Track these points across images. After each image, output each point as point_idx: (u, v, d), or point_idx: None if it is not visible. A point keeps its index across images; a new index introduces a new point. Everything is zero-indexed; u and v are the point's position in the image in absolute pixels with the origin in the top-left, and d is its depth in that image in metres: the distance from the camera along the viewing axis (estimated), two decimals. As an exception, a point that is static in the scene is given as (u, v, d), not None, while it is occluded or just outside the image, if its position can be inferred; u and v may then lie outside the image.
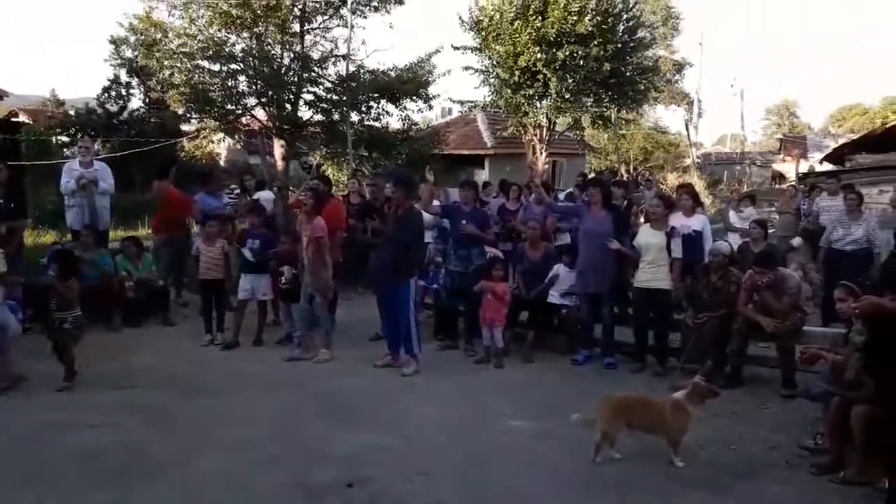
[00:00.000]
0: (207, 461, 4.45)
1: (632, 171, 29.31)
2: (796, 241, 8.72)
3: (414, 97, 16.17)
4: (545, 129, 18.76)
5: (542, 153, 18.87)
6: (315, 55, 15.73)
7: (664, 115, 49.29)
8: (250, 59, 14.97)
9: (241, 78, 15.28)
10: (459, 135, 22.43)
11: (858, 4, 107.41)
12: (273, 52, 15.41)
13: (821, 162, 21.86)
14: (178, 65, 14.82)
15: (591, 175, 18.91)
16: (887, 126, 18.24)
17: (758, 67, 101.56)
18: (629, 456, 4.58)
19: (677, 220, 7.62)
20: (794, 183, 17.55)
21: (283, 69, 15.36)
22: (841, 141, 23.42)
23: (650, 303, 6.69)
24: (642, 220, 8.19)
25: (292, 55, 15.51)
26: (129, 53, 18.68)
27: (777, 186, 24.57)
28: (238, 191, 10.39)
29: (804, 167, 25.61)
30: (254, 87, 15.36)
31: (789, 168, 28.65)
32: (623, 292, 7.08)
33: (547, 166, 20.21)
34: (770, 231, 8.74)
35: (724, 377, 6.08)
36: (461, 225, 7.37)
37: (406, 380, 6.34)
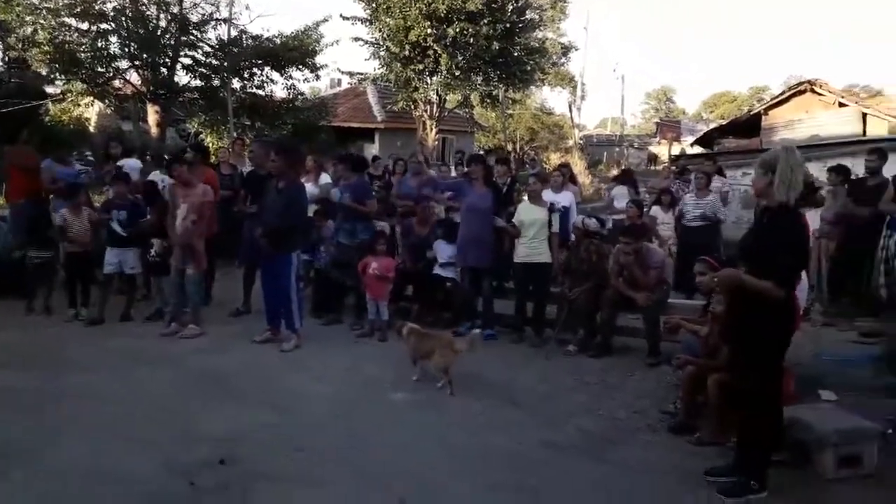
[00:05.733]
0: (70, 446, 4.19)
1: (518, 150, 29.95)
2: (654, 209, 9.21)
3: (300, 66, 15.70)
4: (435, 106, 18.80)
5: (432, 129, 18.93)
6: (194, 17, 14.92)
7: (550, 97, 50.66)
8: (123, 18, 14.00)
9: (113, 38, 14.29)
10: (349, 107, 22.05)
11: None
12: (148, 12, 14.48)
13: (692, 145, 23.21)
14: (42, 21, 13.63)
15: (482, 152, 19.14)
16: (751, 113, 19.61)
17: (639, 54, 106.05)
18: (507, 425, 4.73)
19: (547, 195, 7.95)
20: (667, 164, 18.54)
21: (159, 31, 14.48)
22: (711, 126, 24.96)
23: (531, 277, 6.89)
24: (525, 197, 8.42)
25: (169, 16, 14.64)
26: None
27: (652, 167, 25.88)
28: (91, 157, 9.71)
29: (677, 150, 27.10)
30: (126, 49, 14.39)
31: (664, 151, 30.24)
32: (502, 267, 7.26)
33: (437, 142, 20.30)
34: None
35: (594, 347, 6.40)
36: (342, 197, 7.30)
37: (286, 355, 6.21)
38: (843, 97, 17.50)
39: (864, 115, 16.22)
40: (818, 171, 8.85)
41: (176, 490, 3.69)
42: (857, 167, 8.06)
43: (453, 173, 11.80)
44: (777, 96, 18.91)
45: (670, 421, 4.73)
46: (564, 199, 8.14)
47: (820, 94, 17.20)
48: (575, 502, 3.72)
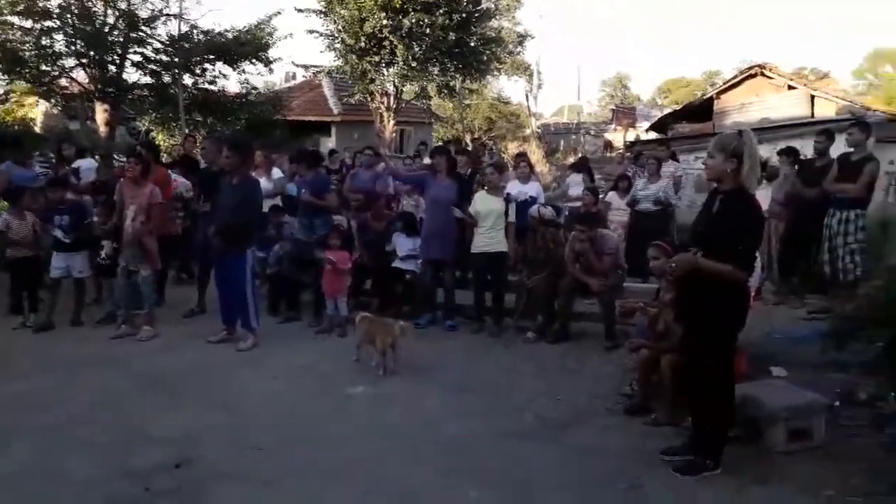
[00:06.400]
0: (19, 451, 4.09)
1: (476, 140, 29.97)
2: (610, 195, 9.30)
3: (253, 60, 15.42)
4: (392, 97, 18.69)
5: (389, 121, 18.81)
6: (143, 13, 14.54)
7: (507, 86, 50.77)
8: (68, 15, 13.56)
9: (58, 36, 13.81)
10: (304, 100, 21.75)
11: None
12: (95, 8, 14.04)
13: (647, 131, 23.51)
14: (-19, 20, 13.15)
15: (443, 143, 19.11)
16: (704, 98, 19.94)
17: (595, 41, 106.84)
18: (465, 414, 4.74)
19: (514, 186, 7.98)
20: (622, 151, 18.75)
21: (107, 28, 14.06)
22: (666, 111, 25.32)
23: (489, 267, 6.89)
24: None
25: (117, 13, 14.23)
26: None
27: (608, 154, 26.12)
28: (55, 159, 9.44)
29: (632, 136, 27.42)
30: (72, 47, 13.95)
31: (620, 137, 30.56)
32: (464, 258, 7.27)
33: (395, 134, 20.19)
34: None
35: (553, 333, 6.45)
36: (301, 193, 7.22)
37: (242, 354, 6.12)
38: (792, 80, 17.91)
39: (813, 97, 16.60)
40: (769, 152, 9.06)
41: (130, 494, 3.61)
42: (807, 149, 8.24)
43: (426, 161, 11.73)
44: (729, 80, 19.25)
45: (627, 403, 4.79)
46: (532, 189, 8.12)
47: (770, 78, 17.56)
48: (532, 485, 3.74)
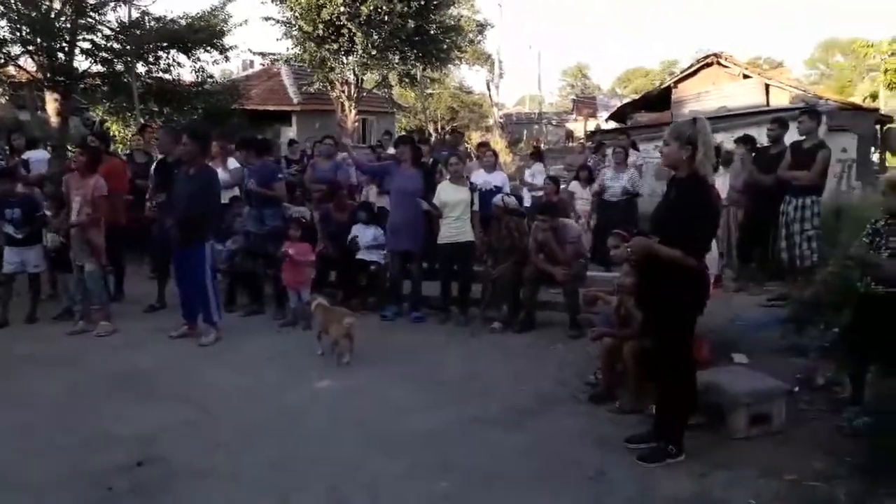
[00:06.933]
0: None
1: (440, 129, 29.94)
2: (573, 185, 9.37)
3: (208, 47, 15.06)
4: (353, 86, 18.49)
5: (351, 110, 18.63)
6: (91, -1, 14.06)
7: (468, 76, 50.74)
8: (12, 1, 13.04)
9: (2, 23, 13.29)
10: (263, 89, 21.37)
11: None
12: (40, -7, 13.54)
13: (606, 120, 23.73)
14: (-81, 6, 12.57)
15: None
16: (662, 87, 20.20)
17: (554, 30, 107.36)
18: (432, 405, 4.73)
19: (480, 176, 7.98)
20: (582, 140, 18.88)
21: (54, 13, 13.57)
22: (625, 101, 25.58)
23: (457, 257, 6.87)
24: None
25: (64, -2, 13.74)
26: None
27: (570, 144, 26.34)
28: (8, 151, 9.10)
29: (592, 126, 27.67)
30: (18, 34, 13.43)
31: (581, 127, 30.82)
32: (431, 249, 7.23)
33: (357, 124, 20.01)
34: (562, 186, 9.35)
35: (519, 323, 6.47)
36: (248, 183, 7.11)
37: (204, 349, 6.00)
38: (747, 69, 18.25)
39: (767, 86, 16.94)
40: (726, 141, 9.21)
41: (91, 495, 3.53)
42: (763, 136, 8.39)
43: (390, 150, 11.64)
44: (685, 70, 19.52)
45: (591, 391, 4.84)
46: (497, 178, 8.12)
47: (726, 67, 17.86)
48: (497, 473, 3.75)
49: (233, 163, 7.84)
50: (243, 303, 7.36)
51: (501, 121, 33.65)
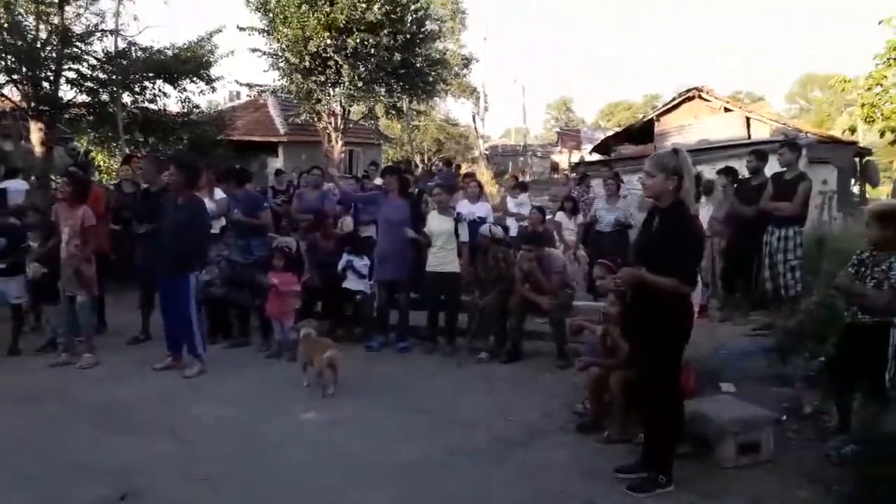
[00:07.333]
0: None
1: (426, 161, 30.15)
2: (559, 215, 9.42)
3: (194, 78, 15.12)
4: (339, 118, 18.59)
5: (337, 141, 18.69)
6: (78, 28, 14.08)
7: (454, 108, 51.37)
8: (-3, 31, 13.04)
9: (-14, 51, 13.25)
10: (249, 120, 21.43)
11: (627, 9, 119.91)
12: (26, 23, 13.55)
13: (590, 153, 24.00)
14: None
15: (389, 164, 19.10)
16: (645, 120, 20.49)
17: (539, 65, 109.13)
18: (418, 435, 4.68)
19: (464, 206, 8.03)
20: (567, 172, 19.06)
21: (39, 43, 13.58)
22: (609, 134, 25.92)
23: (441, 286, 6.87)
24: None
25: (50, 27, 13.76)
26: None
27: (554, 176, 26.58)
28: None
29: (577, 158, 27.97)
30: (3, 63, 13.41)
31: (566, 159, 31.15)
32: (418, 278, 7.22)
33: (343, 155, 20.06)
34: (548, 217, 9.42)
35: (505, 353, 6.45)
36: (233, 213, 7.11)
37: (188, 382, 5.92)
38: (728, 103, 18.58)
39: (748, 119, 17.24)
40: (708, 172, 9.33)
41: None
42: (745, 169, 8.52)
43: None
44: (668, 103, 19.84)
45: (579, 421, 4.81)
46: (481, 209, 8.19)
47: (707, 101, 18.17)
48: (483, 503, 3.71)
49: (219, 193, 7.83)
50: (215, 335, 7.23)
51: (487, 152, 33.97)
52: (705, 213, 7.74)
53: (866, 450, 3.73)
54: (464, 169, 23.30)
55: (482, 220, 7.74)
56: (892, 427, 3.71)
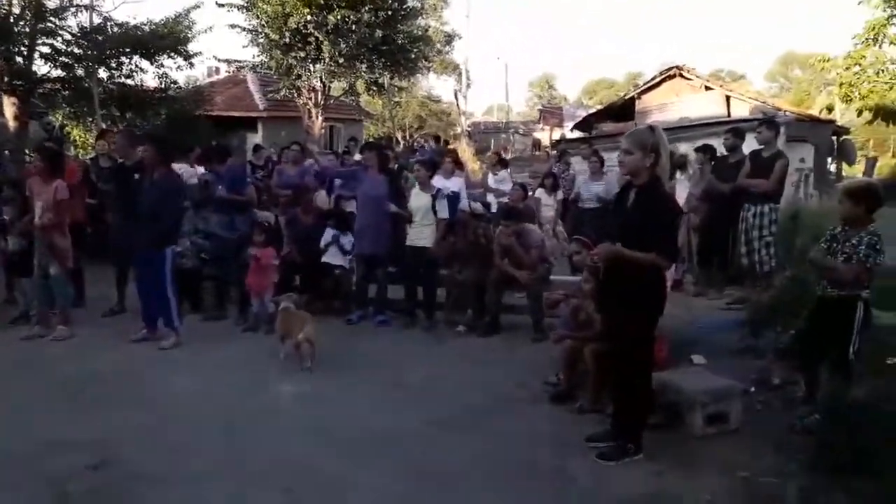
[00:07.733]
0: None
1: (407, 137, 30.02)
2: (539, 192, 9.47)
3: (172, 54, 14.90)
4: (320, 94, 18.42)
5: (318, 117, 18.53)
6: (51, 3, 13.81)
7: (436, 85, 51.02)
8: (-31, 6, 12.75)
9: (-43, 27, 12.97)
10: (228, 96, 21.18)
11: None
12: (-2, -3, 13.26)
13: (572, 130, 24.00)
14: None
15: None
16: (626, 98, 20.51)
17: (521, 42, 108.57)
18: (394, 408, 4.72)
19: (437, 181, 8.04)
20: (548, 149, 19.07)
21: (13, 18, 13.31)
22: (590, 111, 25.93)
23: (419, 260, 6.89)
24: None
25: (23, 2, 13.48)
26: None
27: (536, 153, 26.59)
28: None
29: (558, 135, 27.97)
30: (-26, 39, 13.13)
31: (547, 136, 31.14)
32: (398, 253, 7.24)
33: (324, 131, 19.91)
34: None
35: (483, 326, 6.50)
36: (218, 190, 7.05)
37: (163, 354, 5.91)
38: (708, 81, 18.63)
39: (728, 97, 17.31)
40: (687, 150, 9.38)
41: (45, 499, 3.46)
42: (723, 146, 8.58)
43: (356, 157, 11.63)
44: (649, 81, 19.84)
45: (552, 391, 4.88)
46: (454, 184, 8.30)
47: (688, 79, 18.21)
48: (456, 473, 3.76)
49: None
50: (188, 307, 7.18)
51: (469, 129, 33.84)
52: (680, 188, 7.80)
53: (829, 419, 3.82)
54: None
55: (455, 195, 7.83)
56: (854, 398, 3.79)
